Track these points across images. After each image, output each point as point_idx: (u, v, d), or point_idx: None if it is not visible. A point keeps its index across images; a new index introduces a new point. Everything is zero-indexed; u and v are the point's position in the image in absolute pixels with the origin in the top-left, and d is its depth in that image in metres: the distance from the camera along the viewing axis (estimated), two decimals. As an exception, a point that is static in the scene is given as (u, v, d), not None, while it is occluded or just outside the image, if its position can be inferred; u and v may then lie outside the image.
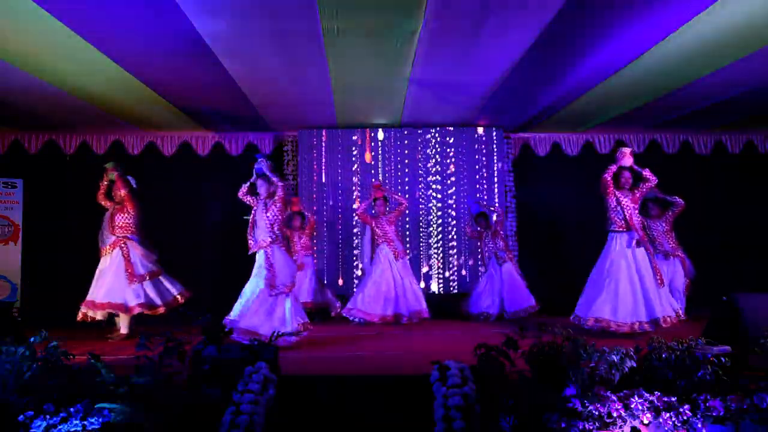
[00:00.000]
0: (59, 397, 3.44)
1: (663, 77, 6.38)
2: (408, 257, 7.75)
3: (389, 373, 4.33)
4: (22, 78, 6.10)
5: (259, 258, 5.64)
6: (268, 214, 5.63)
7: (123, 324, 6.38)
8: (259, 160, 5.83)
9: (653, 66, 6.00)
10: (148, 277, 6.47)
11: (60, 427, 3.26)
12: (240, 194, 5.80)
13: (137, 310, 6.36)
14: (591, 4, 4.77)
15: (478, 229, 8.04)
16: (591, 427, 3.21)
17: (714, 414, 3.27)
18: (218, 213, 8.86)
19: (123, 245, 6.44)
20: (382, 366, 4.69)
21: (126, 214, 6.54)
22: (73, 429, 3.26)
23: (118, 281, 6.33)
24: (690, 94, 6.92)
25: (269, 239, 5.59)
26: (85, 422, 3.27)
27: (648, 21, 5.05)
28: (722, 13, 4.80)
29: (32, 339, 3.90)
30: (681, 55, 5.72)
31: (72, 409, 3.33)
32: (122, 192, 6.53)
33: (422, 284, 8.64)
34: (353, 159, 8.86)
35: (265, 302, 5.46)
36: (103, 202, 6.68)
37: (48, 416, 3.30)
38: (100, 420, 3.30)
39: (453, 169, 8.86)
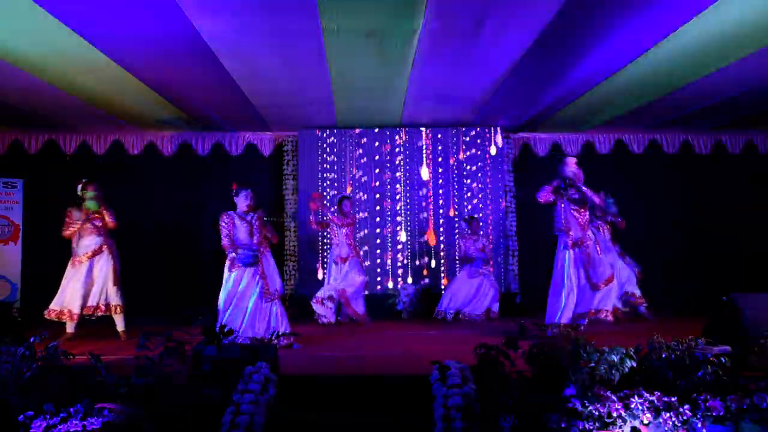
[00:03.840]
0: (59, 397, 3.44)
1: (663, 77, 6.37)
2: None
3: (389, 373, 4.33)
4: (22, 78, 6.10)
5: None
6: None
7: (119, 321, 6.41)
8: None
9: (653, 66, 6.00)
10: None
11: (60, 427, 3.25)
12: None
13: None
14: (591, 4, 4.76)
15: (466, 228, 8.20)
16: (591, 427, 3.20)
17: (714, 414, 3.27)
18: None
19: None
20: (382, 366, 4.69)
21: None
22: (73, 429, 3.25)
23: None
24: (690, 94, 6.92)
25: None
26: (85, 422, 3.27)
27: (648, 21, 5.05)
28: (722, 13, 4.80)
29: (32, 339, 3.90)
30: (681, 55, 5.72)
31: (72, 409, 3.33)
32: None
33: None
34: (354, 159, 8.85)
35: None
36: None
37: (48, 416, 3.29)
38: (100, 420, 3.29)
39: (453, 170, 8.85)
